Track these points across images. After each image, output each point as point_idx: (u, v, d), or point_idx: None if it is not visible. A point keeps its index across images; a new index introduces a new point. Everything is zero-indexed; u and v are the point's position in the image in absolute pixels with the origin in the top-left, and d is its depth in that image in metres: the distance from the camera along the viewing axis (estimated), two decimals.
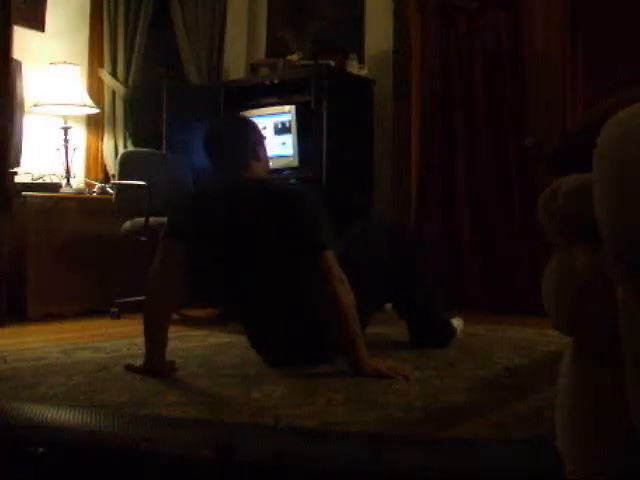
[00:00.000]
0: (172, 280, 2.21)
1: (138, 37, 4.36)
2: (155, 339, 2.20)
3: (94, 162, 4.37)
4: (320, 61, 4.10)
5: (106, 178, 4.29)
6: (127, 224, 3.59)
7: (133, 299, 3.61)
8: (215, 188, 2.37)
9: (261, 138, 2.43)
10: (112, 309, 3.64)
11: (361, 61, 4.31)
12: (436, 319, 2.65)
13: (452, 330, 2.68)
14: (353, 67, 4.22)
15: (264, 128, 3.95)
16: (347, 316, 2.07)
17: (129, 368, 2.21)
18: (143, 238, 3.49)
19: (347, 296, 2.08)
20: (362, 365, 2.07)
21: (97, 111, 4.17)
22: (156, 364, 2.16)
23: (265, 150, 2.42)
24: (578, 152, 0.99)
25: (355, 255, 2.33)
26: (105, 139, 4.33)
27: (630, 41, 3.45)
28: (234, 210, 2.23)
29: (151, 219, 3.45)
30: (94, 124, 4.33)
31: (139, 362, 2.21)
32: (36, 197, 3.67)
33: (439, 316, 2.67)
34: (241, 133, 2.36)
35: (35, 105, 3.88)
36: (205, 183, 2.51)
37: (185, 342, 2.75)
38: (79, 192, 3.97)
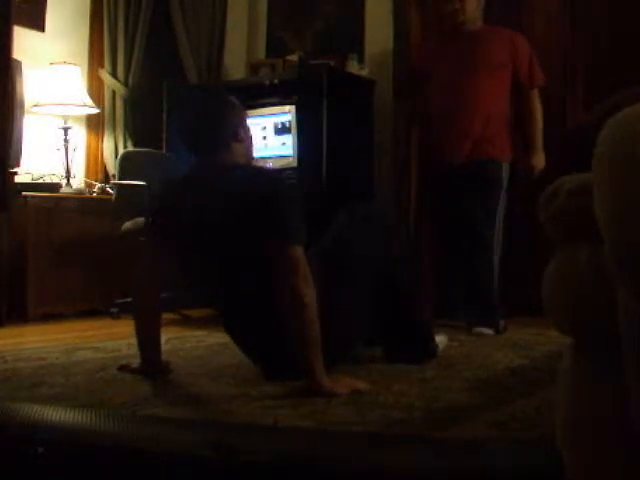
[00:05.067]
0: (155, 278, 2.18)
1: (138, 37, 4.36)
2: (148, 339, 2.16)
3: (94, 162, 4.37)
4: (320, 61, 4.10)
5: (106, 178, 4.29)
6: (127, 224, 3.59)
7: None
8: (191, 176, 2.17)
9: (243, 118, 2.18)
10: (112, 309, 3.64)
11: (361, 61, 4.30)
12: (421, 331, 2.40)
13: (434, 348, 2.41)
14: (353, 67, 4.21)
15: (264, 128, 3.96)
16: (304, 316, 1.82)
17: (124, 369, 2.19)
18: (143, 238, 3.49)
19: (309, 296, 1.84)
20: (315, 384, 1.82)
21: (97, 111, 4.17)
22: (152, 365, 2.14)
23: (248, 130, 2.18)
24: (579, 151, 0.99)
25: (346, 254, 2.15)
26: (105, 139, 4.33)
27: (631, 40, 3.45)
28: (206, 200, 2.03)
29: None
30: (94, 124, 4.33)
31: (136, 363, 2.20)
32: (36, 197, 3.67)
33: (425, 328, 2.44)
34: (218, 112, 2.11)
35: (35, 105, 3.88)
36: (187, 170, 2.31)
37: (185, 342, 2.74)
38: (79, 192, 3.97)
